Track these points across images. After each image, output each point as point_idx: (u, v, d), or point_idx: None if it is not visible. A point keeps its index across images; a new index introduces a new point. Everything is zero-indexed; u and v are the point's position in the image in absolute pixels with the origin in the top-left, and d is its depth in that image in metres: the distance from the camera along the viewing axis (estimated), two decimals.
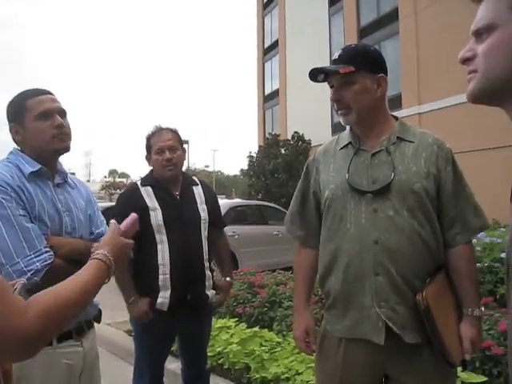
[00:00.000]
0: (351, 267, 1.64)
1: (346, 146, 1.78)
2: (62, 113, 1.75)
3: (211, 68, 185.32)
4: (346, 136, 1.80)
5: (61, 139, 1.71)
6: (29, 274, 1.49)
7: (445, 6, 14.44)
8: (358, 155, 1.71)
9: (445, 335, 1.57)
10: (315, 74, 1.72)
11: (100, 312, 1.87)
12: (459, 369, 2.54)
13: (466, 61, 0.88)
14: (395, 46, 17.31)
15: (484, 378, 2.66)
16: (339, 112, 1.71)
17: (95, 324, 1.86)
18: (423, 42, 15.67)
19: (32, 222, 1.59)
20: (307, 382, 3.02)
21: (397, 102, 16.16)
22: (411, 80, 16.14)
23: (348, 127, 1.80)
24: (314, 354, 1.85)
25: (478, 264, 5.35)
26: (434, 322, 1.55)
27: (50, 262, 1.56)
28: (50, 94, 1.75)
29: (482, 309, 1.69)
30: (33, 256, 1.53)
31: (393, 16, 17.52)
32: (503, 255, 5.27)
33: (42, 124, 1.68)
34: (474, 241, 6.69)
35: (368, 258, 1.61)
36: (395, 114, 1.82)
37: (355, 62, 1.65)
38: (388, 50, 17.58)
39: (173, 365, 3.44)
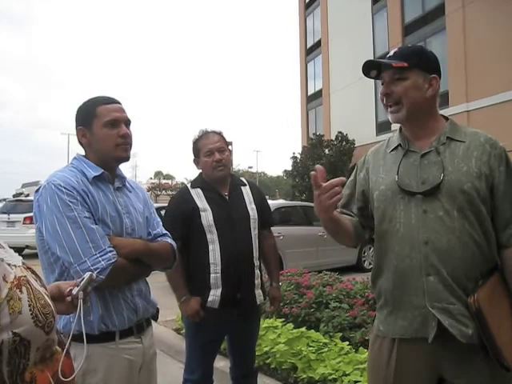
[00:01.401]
0: (401, 267, 1.64)
1: (395, 148, 1.78)
2: (128, 123, 1.84)
3: (254, 69, 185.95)
4: (395, 138, 1.81)
5: (123, 148, 1.81)
6: (95, 273, 1.58)
7: (495, 1, 13.97)
8: (407, 156, 1.71)
9: (499, 339, 1.53)
10: (368, 70, 1.74)
11: (158, 310, 1.97)
12: None
13: None
14: (441, 42, 16.87)
15: None
16: (389, 109, 1.71)
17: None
18: (471, 37, 15.21)
19: (96, 224, 1.69)
20: (355, 382, 3.02)
21: (444, 100, 15.73)
22: (459, 77, 15.69)
23: (398, 129, 1.81)
24: (367, 354, 1.84)
25: None
26: (487, 325, 1.52)
27: (113, 261, 1.65)
28: (118, 103, 1.85)
29: None
30: (98, 255, 1.63)
31: (439, 11, 17.09)
32: None
33: (108, 131, 1.77)
34: None
35: (418, 259, 1.60)
36: (442, 112, 1.80)
37: (409, 59, 1.66)
38: (434, 47, 17.15)
39: (221, 363, 3.50)
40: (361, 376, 3.02)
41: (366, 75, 1.75)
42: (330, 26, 25.18)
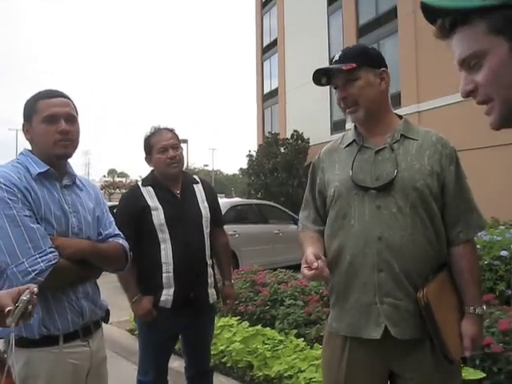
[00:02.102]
0: (354, 263, 1.66)
1: (350, 144, 1.80)
2: (70, 118, 1.73)
3: (209, 67, 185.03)
4: (350, 134, 1.83)
5: (62, 145, 1.70)
6: (33, 274, 1.51)
7: None
8: (361, 152, 1.73)
9: (444, 332, 1.59)
10: (318, 78, 1.75)
11: (108, 312, 1.89)
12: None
13: (469, 94, 0.88)
14: (394, 44, 17.31)
15: (483, 375, 2.67)
16: (347, 110, 1.73)
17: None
18: (422, 40, 15.65)
19: (38, 223, 1.60)
20: (310, 379, 3.03)
21: (396, 101, 16.15)
22: (410, 78, 16.15)
23: (352, 126, 1.82)
24: (318, 352, 1.87)
25: (478, 262, 5.37)
26: (434, 319, 1.57)
27: (54, 262, 1.57)
28: (62, 96, 1.75)
29: (484, 307, 1.70)
30: (37, 256, 1.55)
31: (391, 14, 17.52)
32: (503, 253, 5.29)
33: (46, 127, 1.69)
34: (474, 239, 6.69)
35: (371, 255, 1.63)
36: (395, 112, 1.84)
37: (356, 59, 1.68)
38: (387, 49, 17.59)
39: (176, 363, 3.46)
40: (316, 372, 3.04)
41: (316, 83, 1.76)
42: (287, 25, 25.37)
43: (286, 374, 3.21)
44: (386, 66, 1.74)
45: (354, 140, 1.79)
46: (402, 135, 1.72)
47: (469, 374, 2.68)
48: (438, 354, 1.61)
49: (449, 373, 1.67)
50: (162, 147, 2.55)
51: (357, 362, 1.68)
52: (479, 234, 6.87)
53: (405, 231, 1.61)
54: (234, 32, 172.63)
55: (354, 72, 1.67)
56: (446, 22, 0.86)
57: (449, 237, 1.68)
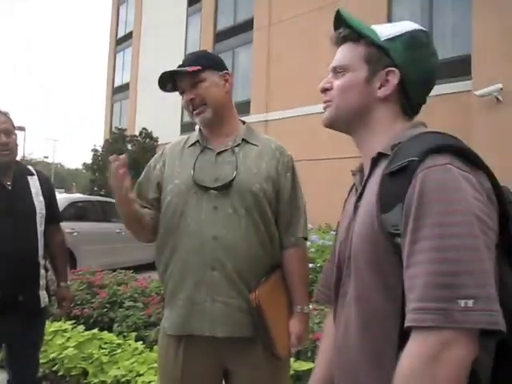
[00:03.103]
0: (189, 262, 1.68)
1: (193, 144, 1.83)
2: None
3: (58, 52, 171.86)
4: (194, 135, 1.86)
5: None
6: None
7: (297, 25, 15.43)
8: (204, 153, 1.77)
9: (273, 331, 1.68)
10: (164, 83, 1.77)
11: None
12: (292, 359, 2.74)
13: (324, 90, 1.10)
14: (248, 54, 17.94)
15: (313, 365, 2.90)
16: (195, 112, 1.75)
17: None
18: (274, 54, 16.51)
19: None
20: (148, 382, 2.96)
21: (246, 108, 16.77)
22: (260, 88, 16.89)
23: (197, 128, 1.86)
24: (155, 354, 1.84)
25: (312, 264, 5.84)
26: (264, 319, 1.65)
27: None
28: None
29: (310, 306, 1.85)
30: None
31: (248, 25, 18.14)
32: None
33: None
34: (308, 243, 7.30)
35: (206, 254, 1.66)
36: (244, 119, 1.92)
37: (199, 61, 1.74)
38: (241, 57, 18.20)
39: None
40: (155, 375, 2.97)
41: (162, 89, 1.78)
42: (144, 19, 24.73)
43: (123, 379, 3.07)
44: (227, 69, 1.82)
45: (197, 141, 1.82)
46: (243, 140, 1.79)
47: (301, 365, 2.88)
48: (267, 350, 1.69)
49: (277, 367, 1.77)
50: None
51: (191, 361, 1.69)
52: (314, 238, 7.47)
53: (239, 232, 1.67)
54: (89, 18, 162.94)
55: (199, 74, 1.73)
56: (344, 33, 1.08)
57: (281, 241, 1.78)
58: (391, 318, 0.87)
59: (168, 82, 1.76)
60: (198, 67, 1.71)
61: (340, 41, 1.10)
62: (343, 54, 1.08)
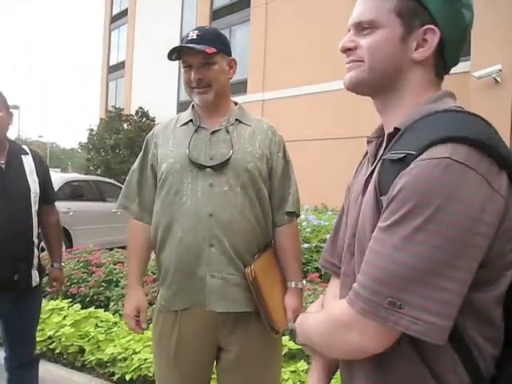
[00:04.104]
0: (186, 239, 1.69)
1: (186, 123, 1.83)
2: None
3: (52, 29, 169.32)
4: (186, 114, 1.86)
5: None
6: None
7: (295, 3, 15.23)
8: (198, 132, 1.78)
9: (270, 305, 1.71)
10: (171, 52, 1.73)
11: None
12: (286, 338, 2.77)
13: (347, 50, 0.94)
14: (245, 32, 17.75)
15: None
16: (198, 90, 1.74)
17: None
18: (271, 32, 16.34)
19: None
20: (144, 360, 3.00)
21: (242, 87, 16.66)
22: (258, 67, 16.76)
23: (190, 107, 1.86)
24: (151, 332, 1.86)
25: (307, 244, 5.87)
26: (261, 293, 1.69)
27: None
28: None
29: (304, 282, 1.87)
30: None
31: (245, 3, 17.91)
32: (328, 237, 5.87)
33: None
34: (305, 223, 7.30)
35: (203, 231, 1.68)
36: (240, 98, 1.92)
37: (216, 43, 1.72)
38: (238, 36, 17.99)
39: None
40: (151, 353, 3.00)
41: (169, 58, 1.75)
42: None
43: (119, 357, 3.11)
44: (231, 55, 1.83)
45: (190, 120, 1.82)
46: (236, 120, 1.81)
47: (295, 344, 2.90)
48: (266, 325, 1.72)
49: (271, 344, 1.80)
50: None
51: (187, 337, 1.72)
52: (310, 218, 7.48)
53: (235, 209, 1.70)
54: None
55: (213, 56, 1.71)
56: None
57: (274, 218, 1.81)
58: None
59: (174, 51, 1.74)
60: (214, 50, 1.69)
61: None
62: (368, 5, 0.91)
